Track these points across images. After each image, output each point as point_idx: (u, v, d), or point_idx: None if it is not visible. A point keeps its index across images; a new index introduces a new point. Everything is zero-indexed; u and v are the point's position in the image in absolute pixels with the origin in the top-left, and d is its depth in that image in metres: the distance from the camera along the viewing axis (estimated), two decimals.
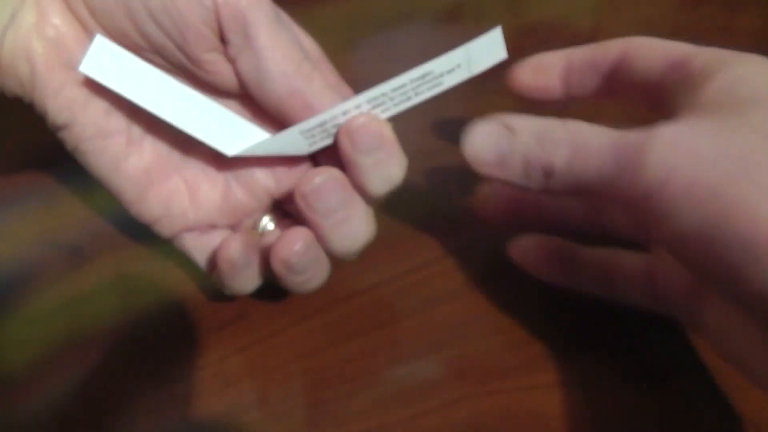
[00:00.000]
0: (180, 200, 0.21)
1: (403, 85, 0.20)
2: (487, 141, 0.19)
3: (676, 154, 0.15)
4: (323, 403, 0.20)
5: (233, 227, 0.22)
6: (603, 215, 0.23)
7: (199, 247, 0.22)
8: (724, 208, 0.14)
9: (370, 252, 0.26)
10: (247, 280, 0.21)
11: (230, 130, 0.20)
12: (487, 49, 0.20)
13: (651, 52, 0.20)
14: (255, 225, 0.22)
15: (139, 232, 0.27)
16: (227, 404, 0.20)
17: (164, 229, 0.22)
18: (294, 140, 0.20)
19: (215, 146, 0.20)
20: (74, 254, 0.26)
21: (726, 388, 0.21)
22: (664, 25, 0.45)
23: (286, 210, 0.23)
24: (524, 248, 0.23)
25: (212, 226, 0.22)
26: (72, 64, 0.19)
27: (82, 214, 0.28)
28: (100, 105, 0.20)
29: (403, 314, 0.23)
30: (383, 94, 0.20)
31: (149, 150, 0.21)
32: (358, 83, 0.22)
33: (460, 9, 0.47)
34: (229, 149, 0.20)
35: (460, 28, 0.44)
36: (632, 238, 0.23)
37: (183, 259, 0.26)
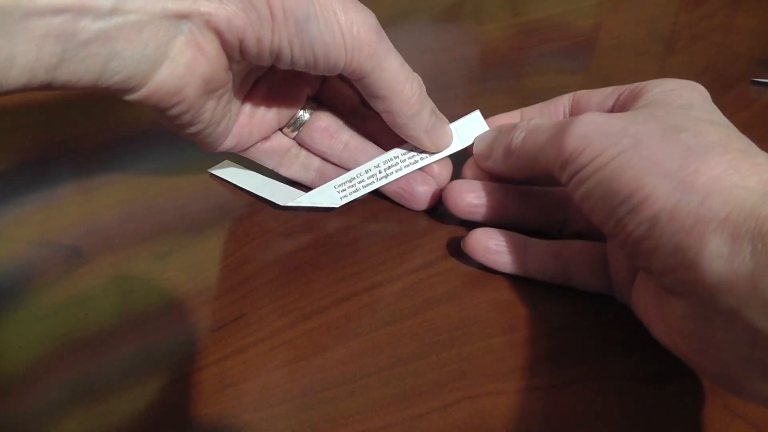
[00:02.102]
0: (247, 130, 0.26)
1: (410, 150, 0.27)
2: (485, 139, 0.26)
3: (591, 130, 0.20)
4: (323, 403, 0.20)
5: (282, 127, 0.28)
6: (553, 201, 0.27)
7: (264, 152, 0.28)
8: (616, 169, 0.19)
9: (370, 252, 0.26)
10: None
11: (287, 194, 0.28)
12: (471, 126, 0.27)
13: (599, 91, 0.25)
14: (292, 119, 0.28)
15: (139, 232, 0.27)
16: (227, 404, 0.20)
17: (236, 150, 0.27)
18: (329, 192, 0.27)
19: (278, 202, 0.28)
20: (73, 254, 0.26)
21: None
22: (664, 25, 0.45)
23: (318, 100, 0.29)
24: (478, 242, 0.25)
25: (272, 133, 0.28)
26: (214, 89, 0.22)
27: (81, 214, 0.28)
28: (221, 103, 0.23)
29: (403, 314, 0.23)
30: (395, 157, 0.27)
31: (234, 116, 0.25)
32: None
33: (460, 8, 0.47)
34: (284, 202, 0.28)
35: (461, 27, 0.44)
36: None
37: (183, 259, 0.26)
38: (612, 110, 0.23)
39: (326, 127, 0.28)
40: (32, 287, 0.24)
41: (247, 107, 0.26)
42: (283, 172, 0.29)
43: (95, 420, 0.20)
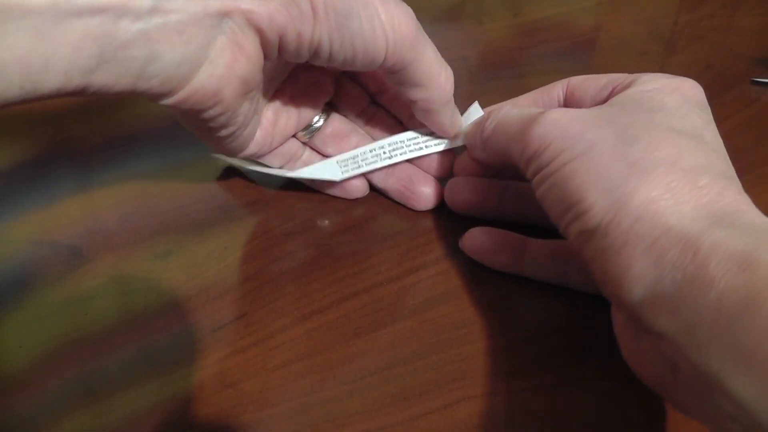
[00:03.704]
0: (270, 138, 0.26)
1: (416, 137, 0.27)
2: (471, 129, 0.26)
3: (552, 131, 0.20)
4: (323, 403, 0.20)
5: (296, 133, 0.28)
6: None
7: (275, 155, 0.27)
8: (567, 176, 0.19)
9: (370, 252, 0.26)
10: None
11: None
12: (473, 119, 0.26)
13: (595, 81, 0.24)
14: (308, 125, 0.28)
15: (139, 232, 0.27)
16: (227, 404, 0.20)
17: (255, 157, 0.27)
18: (331, 166, 0.27)
19: (279, 174, 0.27)
20: (74, 254, 0.26)
21: None
22: (664, 25, 0.45)
23: (332, 104, 0.29)
24: (475, 240, 0.25)
25: (287, 140, 0.28)
26: (251, 89, 0.22)
27: (81, 214, 0.28)
28: (252, 105, 0.23)
29: (403, 314, 0.23)
30: (401, 141, 0.27)
31: (258, 121, 0.25)
32: None
33: (460, 8, 0.47)
34: (285, 174, 0.27)
35: (461, 27, 0.45)
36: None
37: (183, 259, 0.26)
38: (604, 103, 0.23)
39: (338, 132, 0.28)
40: (32, 287, 0.24)
41: (270, 113, 0.26)
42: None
43: (95, 420, 0.20)
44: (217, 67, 0.19)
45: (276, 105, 0.26)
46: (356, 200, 0.29)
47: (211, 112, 0.21)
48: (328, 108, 0.28)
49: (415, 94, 0.24)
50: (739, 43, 0.42)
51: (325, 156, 0.29)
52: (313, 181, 0.28)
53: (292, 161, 0.28)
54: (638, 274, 0.17)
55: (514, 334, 0.23)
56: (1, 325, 0.23)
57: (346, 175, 0.27)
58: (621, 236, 0.17)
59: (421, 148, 0.27)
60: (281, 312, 0.24)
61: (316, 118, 0.28)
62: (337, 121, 0.28)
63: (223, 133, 0.23)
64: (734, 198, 0.17)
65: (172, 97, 0.19)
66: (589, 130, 0.19)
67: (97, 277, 0.25)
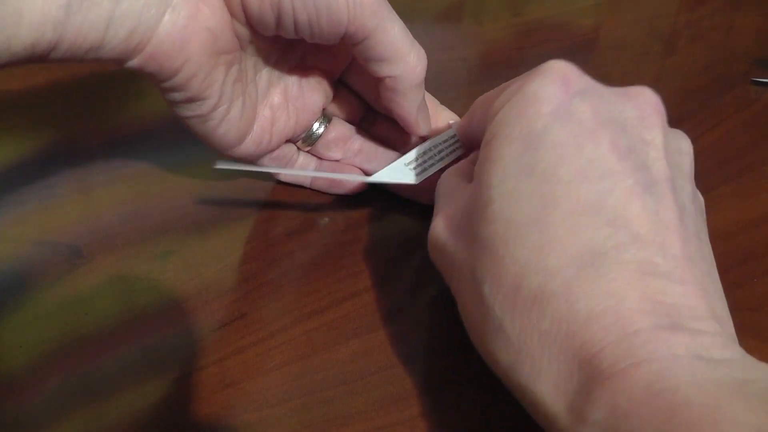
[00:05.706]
0: (268, 137, 0.26)
1: (447, 140, 0.26)
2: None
3: (434, 251, 0.21)
4: (323, 403, 0.20)
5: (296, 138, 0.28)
6: None
7: (271, 159, 0.27)
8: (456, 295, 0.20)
9: (370, 252, 0.26)
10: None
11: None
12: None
13: (481, 110, 0.23)
14: (307, 134, 0.28)
15: (140, 232, 0.27)
16: (227, 404, 0.20)
17: (253, 156, 0.26)
18: (402, 170, 0.26)
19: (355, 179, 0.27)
20: (73, 254, 0.26)
21: None
22: (665, 25, 0.45)
23: (330, 113, 0.29)
24: None
25: (284, 143, 0.27)
26: (221, 50, 0.22)
27: (81, 214, 0.28)
28: (230, 77, 0.23)
29: (403, 314, 0.23)
30: (447, 139, 0.26)
31: (251, 114, 0.25)
32: None
33: (460, 8, 0.47)
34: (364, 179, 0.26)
35: (461, 27, 0.45)
36: None
37: (183, 259, 0.26)
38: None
39: (341, 136, 0.28)
40: (32, 287, 0.24)
41: (267, 111, 0.26)
42: (281, 176, 0.29)
43: (95, 420, 0.20)
44: (179, 15, 0.20)
45: (274, 103, 0.26)
46: (356, 200, 0.29)
47: (182, 75, 0.21)
48: (327, 116, 0.28)
49: (382, 69, 0.24)
50: (739, 43, 0.42)
51: (328, 160, 0.29)
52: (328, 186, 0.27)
53: (289, 165, 0.28)
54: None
55: None
56: (1, 325, 0.23)
57: (420, 178, 0.26)
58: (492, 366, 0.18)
59: (453, 151, 0.27)
60: (281, 312, 0.24)
61: (316, 125, 0.28)
62: (339, 125, 0.28)
63: (204, 108, 0.23)
64: (556, 320, 0.16)
65: (140, 54, 0.20)
66: (453, 255, 0.20)
67: (97, 277, 0.25)
